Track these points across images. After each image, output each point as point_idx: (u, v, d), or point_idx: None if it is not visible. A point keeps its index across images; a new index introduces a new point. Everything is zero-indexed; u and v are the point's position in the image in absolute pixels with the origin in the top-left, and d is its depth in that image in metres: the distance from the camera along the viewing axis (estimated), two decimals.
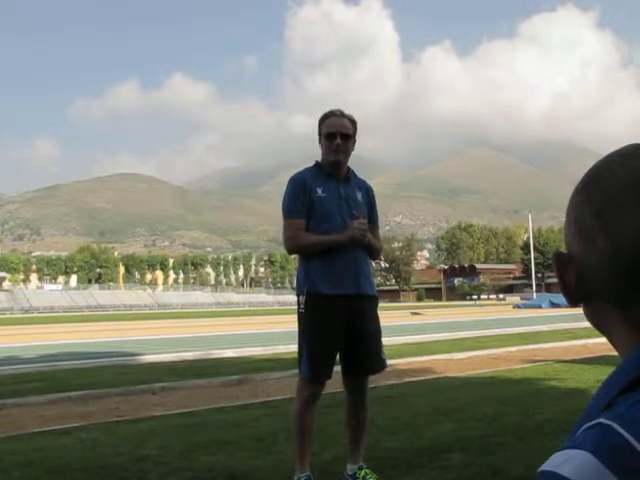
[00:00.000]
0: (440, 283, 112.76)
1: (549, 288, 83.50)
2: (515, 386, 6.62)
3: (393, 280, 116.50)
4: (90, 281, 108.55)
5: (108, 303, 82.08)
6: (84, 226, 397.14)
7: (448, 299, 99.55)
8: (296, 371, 3.44)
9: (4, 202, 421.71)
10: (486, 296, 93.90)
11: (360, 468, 3.38)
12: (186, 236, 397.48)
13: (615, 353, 0.67)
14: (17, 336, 19.51)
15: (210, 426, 4.92)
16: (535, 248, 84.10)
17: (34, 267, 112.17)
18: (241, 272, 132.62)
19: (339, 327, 3.27)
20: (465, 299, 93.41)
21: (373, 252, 3.45)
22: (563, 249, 0.72)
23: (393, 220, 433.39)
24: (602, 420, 0.56)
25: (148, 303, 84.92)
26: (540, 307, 37.57)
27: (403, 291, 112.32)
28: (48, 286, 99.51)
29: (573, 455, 0.55)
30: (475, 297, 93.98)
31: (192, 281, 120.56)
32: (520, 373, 7.65)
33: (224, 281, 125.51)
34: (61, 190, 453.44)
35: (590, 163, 0.72)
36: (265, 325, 23.45)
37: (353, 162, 3.45)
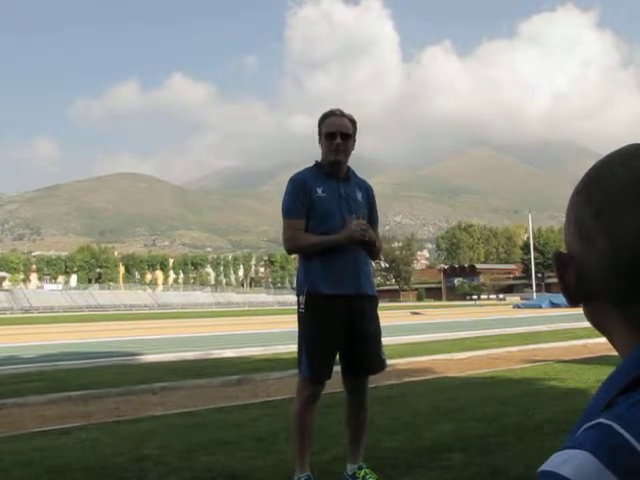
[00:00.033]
0: (440, 283, 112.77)
1: (549, 288, 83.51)
2: (515, 386, 6.62)
3: (393, 280, 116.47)
4: (90, 281, 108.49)
5: (108, 303, 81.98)
6: (84, 226, 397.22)
7: (448, 299, 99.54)
8: (296, 371, 3.44)
9: (4, 202, 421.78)
10: (486, 296, 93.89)
11: (360, 468, 3.38)
12: (186, 236, 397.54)
13: (615, 353, 0.67)
14: (17, 336, 19.48)
15: (210, 426, 4.92)
16: (535, 248, 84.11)
17: (34, 267, 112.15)
18: (241, 272, 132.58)
19: (339, 327, 3.26)
20: (465, 299, 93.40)
21: (373, 252, 3.44)
22: (563, 249, 0.72)
23: (393, 220, 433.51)
24: (602, 420, 0.56)
25: (148, 303, 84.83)
26: (540, 307, 37.57)
27: (403, 291, 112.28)
28: (48, 286, 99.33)
29: (573, 455, 0.55)
30: (475, 297, 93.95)
31: (192, 281, 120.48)
32: (520, 373, 7.65)
33: (224, 281, 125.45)
34: (61, 190, 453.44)
35: (590, 163, 0.72)
36: (265, 325, 23.43)
37: (353, 162, 3.44)
